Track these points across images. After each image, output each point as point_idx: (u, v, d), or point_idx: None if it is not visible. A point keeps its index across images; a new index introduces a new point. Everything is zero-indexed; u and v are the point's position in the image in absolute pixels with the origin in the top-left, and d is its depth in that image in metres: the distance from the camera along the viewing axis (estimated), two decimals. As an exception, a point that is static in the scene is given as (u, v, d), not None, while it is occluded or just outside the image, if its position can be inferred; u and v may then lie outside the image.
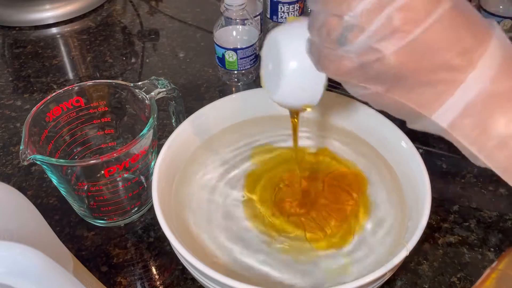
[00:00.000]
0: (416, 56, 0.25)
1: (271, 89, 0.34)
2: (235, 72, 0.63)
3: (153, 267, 0.44)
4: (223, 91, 0.64)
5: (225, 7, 0.59)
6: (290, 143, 0.50)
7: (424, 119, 0.27)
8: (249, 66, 0.63)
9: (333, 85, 0.38)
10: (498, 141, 0.26)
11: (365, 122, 0.48)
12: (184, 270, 0.43)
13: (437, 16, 0.24)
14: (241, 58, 0.61)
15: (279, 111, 0.50)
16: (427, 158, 0.42)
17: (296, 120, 0.40)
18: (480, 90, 0.25)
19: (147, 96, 0.44)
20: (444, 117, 0.26)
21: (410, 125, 0.29)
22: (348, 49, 0.26)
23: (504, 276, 0.31)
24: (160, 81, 0.46)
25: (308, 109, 0.35)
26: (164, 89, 0.46)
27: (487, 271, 0.32)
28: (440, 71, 0.25)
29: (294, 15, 0.71)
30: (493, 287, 0.30)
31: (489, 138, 0.26)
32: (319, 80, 0.32)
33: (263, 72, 0.36)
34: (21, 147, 0.38)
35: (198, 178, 0.46)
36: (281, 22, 0.72)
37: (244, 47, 0.60)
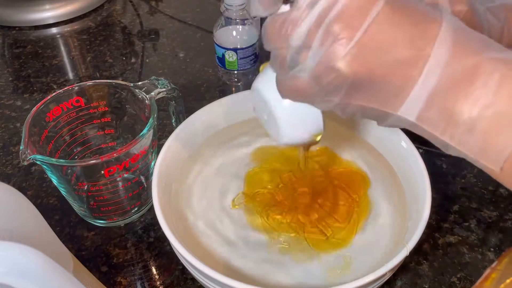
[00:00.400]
0: (365, 59, 0.25)
1: (276, 136, 0.34)
2: (235, 72, 0.63)
3: (153, 267, 0.44)
4: (223, 91, 0.64)
5: (225, 7, 0.59)
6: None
7: (391, 117, 0.27)
8: (249, 66, 0.63)
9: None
10: (466, 127, 0.25)
11: (365, 122, 0.48)
12: (184, 270, 0.43)
13: (373, 15, 0.24)
14: (241, 58, 0.61)
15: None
16: (427, 158, 0.42)
17: (306, 152, 0.40)
18: (438, 78, 0.25)
19: (147, 96, 0.44)
20: (410, 111, 0.26)
21: (381, 124, 0.29)
22: (299, 69, 0.27)
23: (504, 276, 0.31)
24: (160, 81, 0.46)
25: (318, 138, 0.35)
26: (164, 89, 0.46)
27: (487, 271, 0.31)
28: (393, 68, 0.25)
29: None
30: (493, 287, 0.30)
31: (457, 125, 0.25)
32: (313, 110, 0.32)
33: (264, 124, 0.36)
34: (21, 147, 0.38)
35: (198, 177, 0.46)
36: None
37: (244, 47, 0.60)
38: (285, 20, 0.27)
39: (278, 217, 0.43)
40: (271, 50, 0.29)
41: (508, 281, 0.29)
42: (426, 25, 0.25)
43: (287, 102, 0.31)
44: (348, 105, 0.28)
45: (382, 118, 0.28)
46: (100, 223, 0.47)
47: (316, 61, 0.26)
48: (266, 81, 0.32)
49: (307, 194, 0.45)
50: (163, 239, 0.46)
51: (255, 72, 0.65)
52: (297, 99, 0.29)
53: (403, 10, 0.25)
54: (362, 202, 0.44)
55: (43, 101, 0.43)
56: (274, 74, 0.30)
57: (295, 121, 0.33)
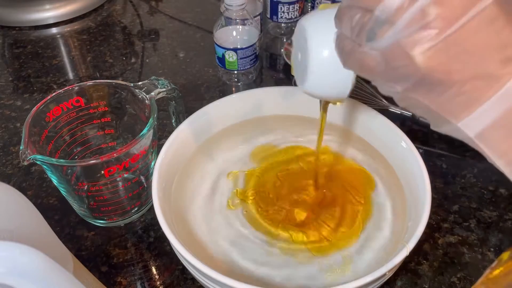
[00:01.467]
0: (448, 58, 0.22)
1: (299, 79, 0.33)
2: (235, 72, 0.63)
3: (153, 267, 0.44)
4: (223, 91, 0.64)
5: (225, 7, 0.59)
6: (290, 143, 0.50)
7: (450, 125, 0.25)
8: (249, 66, 0.63)
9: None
10: None
11: (365, 122, 0.48)
12: (184, 270, 0.43)
13: (476, 13, 0.21)
14: (241, 58, 0.61)
15: (279, 111, 0.51)
16: (427, 158, 0.42)
17: (324, 113, 0.39)
18: None
19: (147, 96, 0.44)
20: (473, 126, 0.24)
21: (434, 128, 0.27)
22: (374, 46, 0.24)
23: (504, 277, 0.31)
24: (160, 81, 0.46)
25: (338, 103, 0.34)
26: (164, 89, 0.46)
27: (487, 271, 0.31)
28: (474, 77, 0.23)
29: (294, 15, 0.71)
30: (492, 287, 0.30)
31: None
32: (347, 72, 0.30)
33: (293, 62, 0.34)
34: (21, 147, 0.38)
35: (198, 177, 0.46)
36: (281, 22, 0.72)
37: (244, 47, 0.60)
38: None
39: (279, 220, 0.43)
40: (351, 6, 0.26)
41: (496, 271, 0.29)
42: None
43: (328, 53, 0.30)
44: (410, 98, 0.25)
45: (439, 123, 0.26)
46: (100, 223, 0.47)
47: (393, 42, 0.23)
48: (318, 23, 0.30)
49: (310, 195, 0.44)
50: (163, 239, 0.46)
51: (255, 72, 0.65)
52: (358, 72, 0.27)
53: (509, 14, 0.22)
54: (366, 204, 0.43)
55: (43, 101, 0.43)
56: (331, 22, 0.28)
57: (327, 74, 0.31)
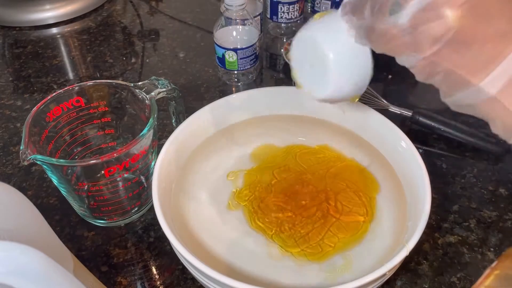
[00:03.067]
0: (476, 16, 0.24)
1: (316, 89, 0.33)
2: (235, 72, 0.63)
3: (153, 267, 0.44)
4: (223, 91, 0.64)
5: (225, 7, 0.59)
6: (290, 143, 0.50)
7: (471, 88, 0.26)
8: (249, 66, 0.63)
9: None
10: None
11: (365, 121, 0.48)
12: (184, 270, 0.43)
13: None
14: (241, 58, 0.61)
15: (279, 111, 0.51)
16: (427, 158, 0.42)
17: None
18: None
19: (147, 96, 0.44)
20: (493, 83, 0.25)
21: (446, 99, 0.28)
22: (400, 15, 0.25)
23: (504, 276, 0.31)
24: (160, 81, 0.46)
25: (356, 100, 0.35)
26: (164, 89, 0.46)
27: (487, 271, 0.31)
28: (494, 36, 0.24)
29: (294, 15, 0.71)
30: (493, 287, 0.30)
31: None
32: (365, 62, 0.31)
33: (300, 77, 0.35)
34: (21, 147, 0.38)
35: (198, 178, 0.46)
36: (281, 22, 0.72)
37: (244, 47, 0.60)
38: None
39: (274, 216, 0.43)
40: None
41: (497, 272, 0.29)
42: None
43: (342, 53, 0.31)
44: (434, 64, 0.26)
45: (459, 88, 0.27)
46: (100, 223, 0.47)
47: (424, 4, 0.24)
48: (326, 29, 0.31)
49: (313, 197, 0.44)
50: (163, 239, 0.46)
51: (255, 72, 0.65)
52: (383, 48, 0.28)
53: None
54: (371, 209, 0.43)
55: (43, 101, 0.43)
56: (336, 25, 0.30)
57: (349, 75, 0.32)
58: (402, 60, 0.28)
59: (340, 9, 0.31)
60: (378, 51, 0.29)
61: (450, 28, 0.24)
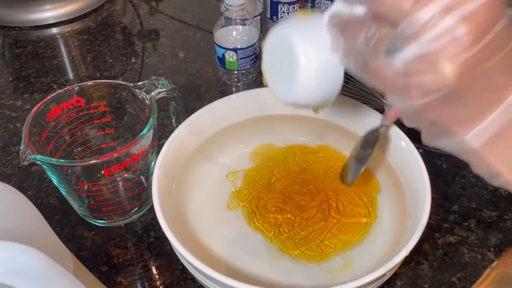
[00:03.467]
0: (474, 75, 0.23)
1: (280, 89, 0.32)
2: (235, 72, 0.63)
3: (153, 267, 0.44)
4: (223, 91, 0.64)
5: (225, 7, 0.59)
6: (290, 143, 0.50)
7: (455, 139, 0.25)
8: (249, 66, 0.63)
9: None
10: None
11: (365, 121, 0.48)
12: (184, 270, 0.43)
13: (497, 30, 0.22)
14: (241, 58, 0.61)
15: (278, 111, 0.51)
16: (427, 158, 0.42)
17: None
18: None
19: (147, 96, 0.44)
20: (478, 137, 0.25)
21: (428, 142, 0.27)
22: (396, 59, 0.24)
23: (504, 276, 0.31)
24: (160, 81, 0.46)
25: (319, 111, 0.33)
26: (164, 89, 0.46)
27: (487, 271, 0.31)
28: (485, 92, 0.24)
29: (294, 15, 0.71)
30: (493, 287, 0.30)
31: None
32: (336, 77, 0.30)
33: (268, 72, 0.33)
34: (21, 147, 0.38)
35: (198, 178, 0.46)
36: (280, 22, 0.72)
37: (244, 47, 0.60)
38: None
39: (272, 217, 0.43)
40: (367, 15, 0.25)
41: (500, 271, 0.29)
42: None
43: (314, 61, 0.29)
44: (422, 114, 0.25)
45: (444, 137, 0.26)
46: (100, 223, 0.47)
47: (418, 54, 0.23)
48: (305, 32, 0.29)
49: (315, 199, 0.44)
50: (163, 239, 0.46)
51: (255, 72, 0.65)
52: (372, 82, 0.27)
53: None
54: (373, 210, 0.43)
55: (43, 101, 0.43)
56: (315, 28, 0.28)
57: (316, 84, 0.30)
58: (391, 99, 0.27)
59: (327, 17, 0.29)
60: (363, 81, 0.28)
61: (446, 84, 0.23)
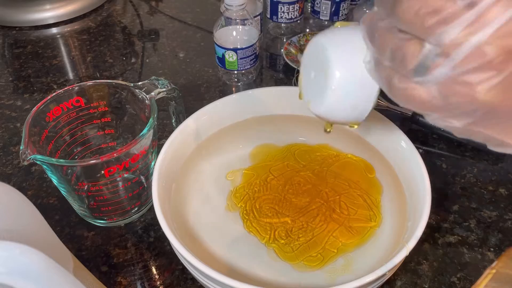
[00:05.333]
0: (508, 93, 0.22)
1: (312, 100, 0.31)
2: (235, 72, 0.63)
3: (153, 267, 0.44)
4: (223, 91, 0.64)
5: (225, 7, 0.59)
6: (290, 143, 0.50)
7: (507, 145, 0.25)
8: (249, 66, 0.63)
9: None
10: None
11: (365, 121, 0.48)
12: (184, 270, 0.43)
13: None
14: (241, 58, 0.61)
15: (279, 111, 0.51)
16: (427, 158, 0.42)
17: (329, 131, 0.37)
18: None
19: (147, 96, 0.44)
20: None
21: (493, 148, 0.26)
22: (426, 80, 0.23)
23: (504, 276, 0.31)
24: (160, 81, 0.46)
25: (355, 127, 0.32)
26: (164, 89, 0.46)
27: (487, 271, 0.31)
28: None
29: (294, 15, 0.71)
30: (493, 287, 0.30)
31: None
32: (370, 94, 0.29)
33: (303, 81, 0.32)
34: (21, 147, 0.38)
35: (198, 177, 0.46)
36: (281, 22, 0.72)
37: (244, 47, 0.60)
38: (437, 10, 0.21)
39: (267, 221, 0.42)
40: (392, 30, 0.24)
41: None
42: None
43: (352, 75, 0.28)
44: (468, 130, 0.25)
45: (499, 145, 0.25)
46: (100, 223, 0.47)
47: (449, 77, 0.22)
48: (342, 43, 0.28)
49: (316, 200, 0.44)
50: (163, 239, 0.46)
51: (255, 72, 0.65)
52: (407, 106, 0.25)
53: None
54: (378, 214, 0.43)
55: (43, 101, 0.43)
56: (354, 41, 0.27)
57: (345, 100, 0.29)
58: (435, 122, 0.25)
59: (360, 23, 0.27)
60: (399, 103, 0.26)
61: (481, 105, 0.22)
